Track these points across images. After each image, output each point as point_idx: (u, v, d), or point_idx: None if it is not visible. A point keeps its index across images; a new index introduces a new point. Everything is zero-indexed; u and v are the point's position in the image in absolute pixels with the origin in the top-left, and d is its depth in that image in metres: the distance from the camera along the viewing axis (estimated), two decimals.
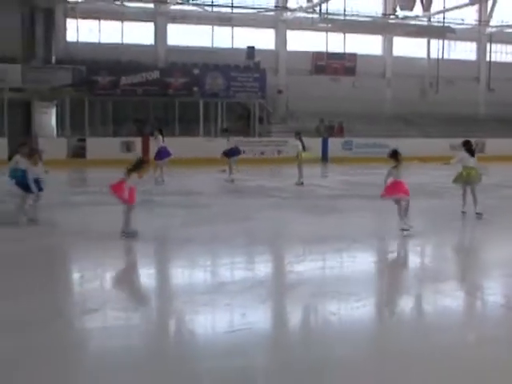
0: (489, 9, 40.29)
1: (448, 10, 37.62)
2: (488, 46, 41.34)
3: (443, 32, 38.54)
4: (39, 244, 10.84)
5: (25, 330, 6.41)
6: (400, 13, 37.33)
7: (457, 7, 37.31)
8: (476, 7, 40.02)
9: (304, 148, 20.36)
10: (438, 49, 39.93)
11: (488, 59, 41.39)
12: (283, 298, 8.02)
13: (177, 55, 33.45)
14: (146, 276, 9.24)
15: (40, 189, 12.41)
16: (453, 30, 38.41)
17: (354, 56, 38.18)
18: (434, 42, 39.91)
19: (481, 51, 41.47)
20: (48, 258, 10.09)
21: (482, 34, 40.92)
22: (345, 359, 5.75)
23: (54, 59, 31.19)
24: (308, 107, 32.74)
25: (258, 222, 13.15)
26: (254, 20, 35.90)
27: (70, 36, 33.03)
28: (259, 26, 36.31)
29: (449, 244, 11.95)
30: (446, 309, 7.43)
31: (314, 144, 31.23)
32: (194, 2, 34.41)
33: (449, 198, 15.71)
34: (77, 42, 32.62)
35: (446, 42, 40.08)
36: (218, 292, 7.88)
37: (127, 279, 9.13)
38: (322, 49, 37.97)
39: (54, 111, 30.44)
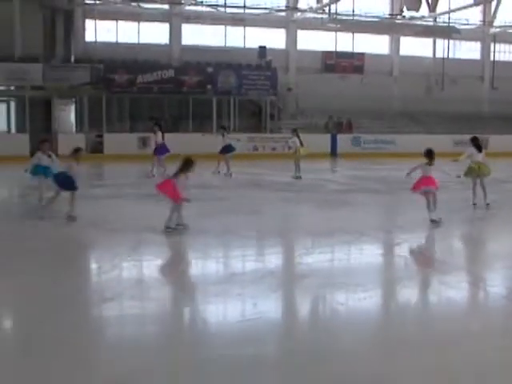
0: (493, 10, 40.02)
1: (453, 10, 37.43)
2: (492, 45, 41.13)
3: (448, 32, 38.39)
4: (59, 235, 10.89)
5: (44, 316, 6.44)
6: (407, 13, 37.16)
7: (462, 8, 37.09)
8: (480, 8, 39.76)
9: (301, 143, 20.32)
10: (444, 48, 39.77)
11: (492, 58, 41.18)
12: (293, 288, 8.02)
13: (191, 54, 33.44)
14: (160, 266, 9.25)
15: (74, 187, 12.00)
16: (458, 30, 38.27)
17: (362, 55, 38.07)
18: (439, 41, 39.75)
19: (485, 51, 41.25)
20: (67, 248, 10.11)
21: (485, 34, 40.71)
22: (352, 347, 5.74)
23: (73, 58, 31.25)
24: (317, 104, 32.70)
25: (269, 215, 13.14)
26: (266, 20, 35.84)
27: (89, 36, 33.10)
28: (270, 26, 36.22)
29: (454, 237, 11.93)
30: (450, 299, 7.40)
31: (324, 140, 31.34)
32: (208, 2, 34.35)
33: (458, 192, 15.68)
34: (95, 42, 32.68)
35: (451, 41, 39.92)
36: (230, 282, 7.88)
37: (142, 270, 9.14)
38: (332, 48, 37.87)
39: (73, 108, 30.54)
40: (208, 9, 34.56)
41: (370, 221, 12.78)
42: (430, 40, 39.52)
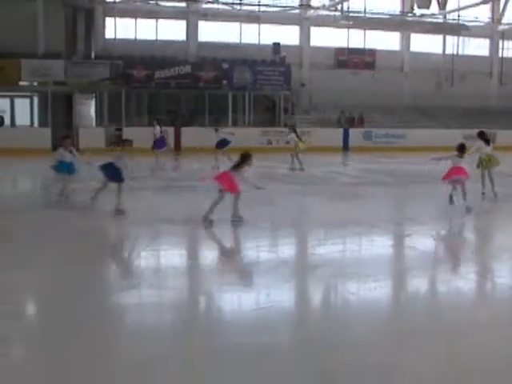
0: (501, 7, 39.77)
1: (462, 8, 37.25)
2: (500, 42, 40.81)
3: (458, 29, 38.20)
4: (80, 225, 10.91)
5: (65, 304, 6.47)
6: (417, 11, 36.96)
7: (471, 6, 36.87)
8: (489, 6, 39.48)
9: (300, 139, 20.35)
10: (453, 45, 39.51)
11: (500, 55, 40.88)
12: (305, 278, 8.01)
13: (207, 51, 33.42)
14: (178, 256, 9.27)
15: (121, 179, 11.61)
16: (467, 28, 38.07)
17: (373, 51, 37.92)
18: (449, 38, 39.47)
19: (493, 47, 40.95)
20: (88, 238, 10.14)
21: (494, 31, 40.37)
22: (363, 337, 5.72)
23: (93, 55, 31.39)
24: (330, 99, 32.59)
25: (282, 207, 13.13)
26: (280, 17, 35.75)
27: (109, 33, 33.17)
28: (284, 23, 36.11)
29: (463, 228, 11.88)
30: (458, 290, 7.37)
31: (336, 134, 31.26)
32: (224, 0, 34.32)
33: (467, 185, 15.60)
34: (114, 39, 32.73)
35: (460, 38, 39.64)
36: (245, 272, 7.88)
37: (160, 259, 9.16)
38: (344, 44, 37.75)
39: (93, 103, 30.67)
40: (224, 6, 34.55)
41: (380, 213, 12.75)
42: (439, 37, 39.26)
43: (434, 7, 36.59)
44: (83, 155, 13.80)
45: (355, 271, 7.90)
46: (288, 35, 35.86)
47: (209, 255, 9.45)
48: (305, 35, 36.79)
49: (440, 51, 39.58)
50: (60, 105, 29.17)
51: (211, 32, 34.76)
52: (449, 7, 37.22)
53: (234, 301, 7.00)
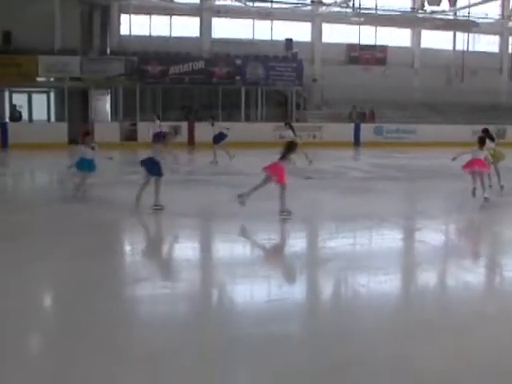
0: (511, 4, 39.49)
1: (473, 5, 37.05)
2: (510, 38, 40.49)
3: (468, 26, 37.95)
4: (96, 218, 10.95)
5: (79, 295, 6.50)
6: (428, 8, 36.77)
7: (481, 2, 36.64)
8: (499, 2, 39.20)
9: (295, 134, 20.19)
10: (463, 41, 39.28)
11: (510, 51, 40.56)
12: (317, 270, 8.00)
13: (220, 47, 33.39)
14: (191, 248, 9.29)
15: (160, 173, 11.38)
16: (477, 24, 37.80)
17: (384, 47, 37.76)
18: (459, 34, 39.25)
19: (503, 44, 40.63)
20: (103, 230, 10.18)
21: (504, 28, 40.06)
22: (372, 328, 5.72)
23: (108, 51, 31.43)
24: (341, 95, 32.48)
25: (294, 200, 13.11)
26: (292, 14, 35.70)
27: (124, 30, 33.16)
28: (296, 20, 36.03)
29: (472, 223, 11.84)
30: (467, 284, 7.34)
31: (347, 129, 31.20)
32: None
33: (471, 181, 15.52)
34: (129, 35, 32.73)
35: (470, 35, 39.40)
36: (257, 264, 7.89)
37: (173, 251, 9.19)
38: (355, 41, 37.60)
39: (108, 98, 30.78)
40: (237, 3, 34.48)
41: (391, 207, 12.73)
42: (450, 33, 39.05)
43: (445, 4, 36.37)
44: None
45: (366, 264, 7.89)
46: (300, 31, 35.75)
47: (221, 247, 9.46)
48: (317, 31, 36.68)
49: (450, 47, 39.39)
50: (76, 100, 29.31)
51: (224, 28, 34.75)
52: (459, 4, 36.99)
53: (247, 293, 7.01)
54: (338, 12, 35.90)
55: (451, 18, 38.08)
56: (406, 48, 38.57)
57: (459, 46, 39.31)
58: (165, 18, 34.10)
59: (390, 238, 10.07)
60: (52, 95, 30.58)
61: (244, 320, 5.94)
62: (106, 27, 32.22)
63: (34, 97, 30.72)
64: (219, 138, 20.88)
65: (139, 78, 29.76)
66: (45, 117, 30.42)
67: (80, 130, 26.18)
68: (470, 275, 7.64)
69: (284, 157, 10.73)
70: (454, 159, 13.17)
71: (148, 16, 33.79)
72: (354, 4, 35.34)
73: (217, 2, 34.70)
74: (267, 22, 35.71)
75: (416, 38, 38.74)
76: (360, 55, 37.41)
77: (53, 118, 30.46)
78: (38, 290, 6.97)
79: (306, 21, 36.54)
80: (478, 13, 37.92)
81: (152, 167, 11.40)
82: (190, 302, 6.60)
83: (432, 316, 6.14)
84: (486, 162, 13.43)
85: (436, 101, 34.87)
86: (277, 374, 4.75)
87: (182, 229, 10.36)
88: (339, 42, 36.84)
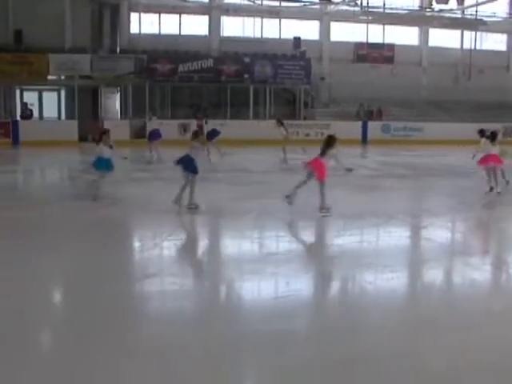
0: None
1: (480, 3, 36.82)
2: None
3: (475, 24, 37.79)
4: (106, 215, 10.97)
5: (89, 290, 6.52)
6: (436, 6, 36.65)
7: (488, 1, 36.46)
8: (507, 1, 39.06)
9: (287, 131, 20.06)
10: (471, 40, 39.15)
11: None
12: (324, 267, 8.00)
13: (229, 45, 33.41)
14: (200, 245, 9.32)
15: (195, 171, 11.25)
16: (484, 23, 37.64)
17: (392, 46, 37.67)
18: (466, 33, 39.11)
19: (510, 42, 40.43)
20: (113, 227, 10.21)
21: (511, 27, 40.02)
22: (379, 325, 5.72)
23: (118, 49, 31.52)
24: (349, 93, 32.42)
25: (302, 198, 13.10)
26: (300, 13, 35.63)
27: (133, 28, 33.21)
28: (305, 18, 36.00)
29: (478, 220, 11.79)
30: (473, 281, 7.32)
31: (355, 127, 31.13)
32: None
33: (480, 178, 15.49)
34: (139, 34, 32.76)
35: (478, 33, 39.26)
36: (265, 261, 7.90)
37: (182, 248, 9.20)
38: (363, 39, 37.56)
39: (118, 96, 30.84)
40: (245, 2, 34.46)
41: (398, 205, 12.70)
42: (457, 32, 38.91)
43: (453, 3, 36.24)
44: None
45: (373, 261, 7.89)
46: (308, 30, 35.74)
47: (229, 244, 9.47)
48: (325, 30, 36.64)
49: (458, 46, 39.25)
50: (86, 98, 29.36)
51: (233, 27, 34.80)
52: (467, 2, 36.86)
53: (254, 289, 7.02)
54: (346, 10, 35.80)
55: (459, 16, 37.95)
56: (413, 46, 38.47)
57: (467, 45, 39.18)
58: (174, 17, 34.16)
59: (397, 236, 10.06)
60: (62, 93, 30.65)
61: (251, 316, 5.95)
62: (115, 26, 32.30)
63: (45, 95, 30.82)
64: (212, 134, 20.77)
65: (148, 76, 29.78)
66: (55, 114, 30.53)
67: (88, 127, 26.34)
68: (477, 272, 7.63)
69: (324, 152, 10.73)
70: (473, 157, 13.75)
71: (157, 14, 33.86)
72: (362, 2, 35.24)
73: (226, 1, 34.73)
74: (276, 21, 35.70)
75: (424, 36, 38.63)
76: (368, 53, 37.34)
77: (63, 116, 30.55)
78: (48, 286, 7.00)
79: (315, 19, 36.52)
80: (486, 11, 37.72)
81: (188, 164, 11.22)
82: (198, 298, 6.61)
83: (438, 313, 6.13)
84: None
85: (443, 99, 34.74)
86: (283, 370, 4.76)
87: (190, 226, 10.37)
88: (347, 41, 36.79)
